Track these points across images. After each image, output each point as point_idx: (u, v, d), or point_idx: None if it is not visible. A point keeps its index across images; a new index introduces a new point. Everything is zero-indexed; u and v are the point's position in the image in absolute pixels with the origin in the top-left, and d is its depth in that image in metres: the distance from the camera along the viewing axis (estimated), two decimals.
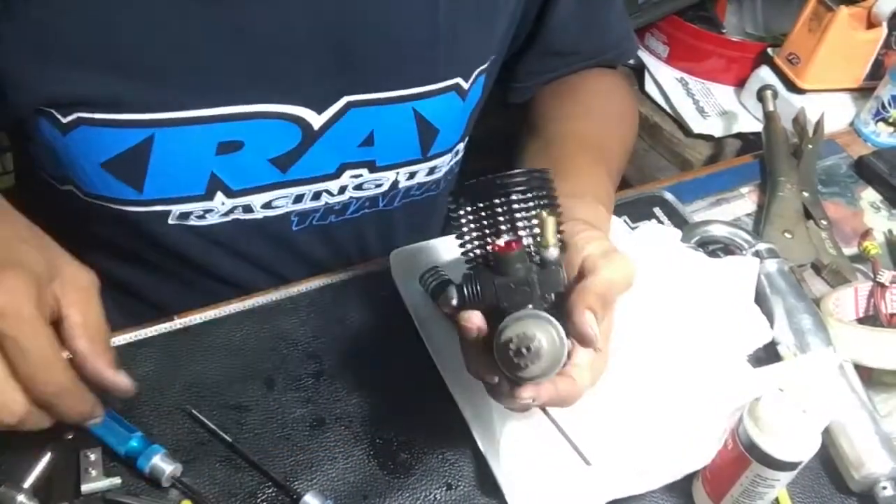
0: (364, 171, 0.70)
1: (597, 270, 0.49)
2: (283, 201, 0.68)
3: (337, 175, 0.69)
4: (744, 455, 0.53)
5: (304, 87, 0.63)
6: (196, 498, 0.56)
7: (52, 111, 0.57)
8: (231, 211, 0.67)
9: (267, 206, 0.68)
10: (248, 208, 0.67)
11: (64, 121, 0.58)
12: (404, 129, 0.69)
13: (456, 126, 0.73)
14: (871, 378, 0.68)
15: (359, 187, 0.71)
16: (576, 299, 0.47)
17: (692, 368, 0.63)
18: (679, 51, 1.32)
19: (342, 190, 0.70)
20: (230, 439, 0.59)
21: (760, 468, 0.53)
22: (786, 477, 0.54)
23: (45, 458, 0.56)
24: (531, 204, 0.49)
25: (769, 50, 1.21)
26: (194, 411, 0.60)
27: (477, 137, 0.81)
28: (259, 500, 0.57)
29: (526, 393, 0.48)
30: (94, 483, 0.56)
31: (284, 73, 0.61)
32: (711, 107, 1.27)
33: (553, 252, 0.48)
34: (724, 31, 1.33)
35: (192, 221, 0.66)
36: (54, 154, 0.60)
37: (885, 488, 0.60)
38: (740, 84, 1.27)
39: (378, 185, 0.72)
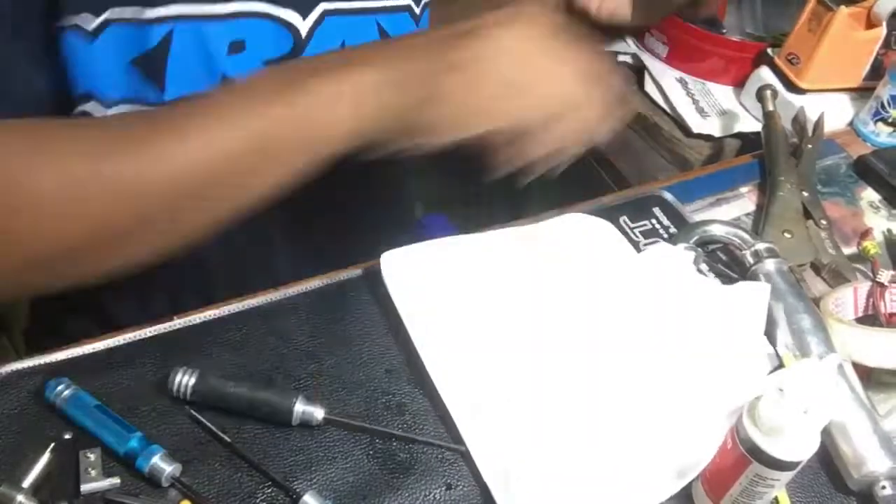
0: None
1: None
2: None
3: None
4: (743, 455, 0.53)
5: None
6: (195, 498, 0.56)
7: (78, 24, 0.58)
8: None
9: None
10: None
11: (90, 28, 0.59)
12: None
13: None
14: (870, 378, 0.68)
15: None
16: None
17: (695, 393, 0.63)
18: (678, 51, 1.32)
19: None
20: (229, 439, 0.59)
21: (760, 468, 0.53)
22: (785, 476, 0.54)
23: (45, 458, 0.56)
24: None
25: (769, 50, 1.21)
26: (193, 411, 0.60)
27: None
28: (258, 501, 0.57)
29: None
30: (94, 483, 0.56)
31: None
32: (711, 107, 1.27)
33: None
34: (723, 31, 1.32)
35: None
36: (79, 67, 0.61)
37: (884, 488, 0.60)
38: (740, 84, 1.27)
39: None
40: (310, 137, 0.55)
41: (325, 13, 0.67)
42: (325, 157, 0.56)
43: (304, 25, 0.66)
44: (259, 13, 0.64)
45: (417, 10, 0.75)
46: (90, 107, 0.64)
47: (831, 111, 1.03)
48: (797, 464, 0.53)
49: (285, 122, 0.54)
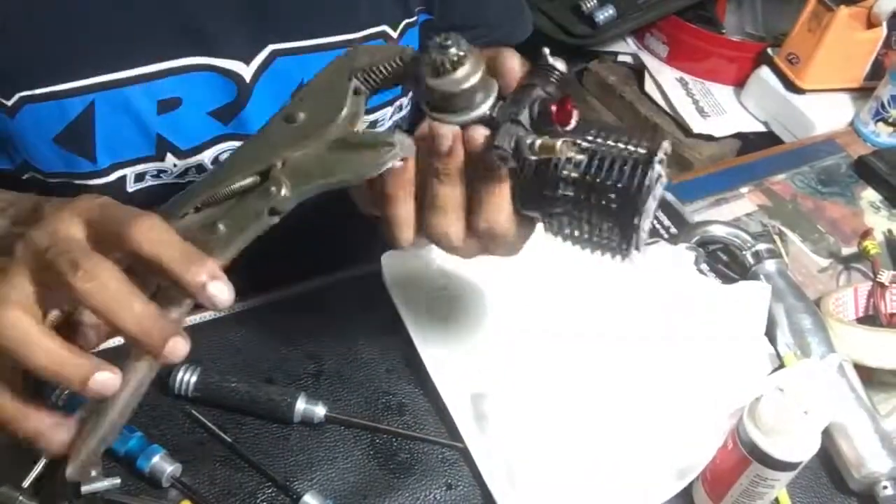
0: None
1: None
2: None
3: None
4: (744, 455, 0.53)
5: (227, 38, 0.62)
6: (195, 498, 0.56)
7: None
8: (185, 173, 0.67)
9: (216, 161, 0.68)
10: (200, 167, 0.67)
11: (8, 104, 0.58)
12: None
13: None
14: (871, 378, 0.68)
15: None
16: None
17: (696, 393, 0.63)
18: (679, 51, 1.33)
19: None
20: (230, 439, 0.59)
21: (760, 468, 0.53)
22: (786, 477, 0.54)
23: (45, 458, 0.56)
24: None
25: (769, 50, 1.21)
26: (194, 411, 0.60)
27: None
28: (259, 501, 0.57)
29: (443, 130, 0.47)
30: (94, 483, 0.56)
31: (206, 23, 0.61)
32: (711, 107, 1.27)
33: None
34: (723, 31, 1.33)
35: (149, 182, 0.66)
36: (9, 141, 0.60)
37: (885, 488, 0.60)
38: (740, 84, 1.27)
39: None
40: None
41: (276, 54, 0.65)
42: None
43: (247, 71, 0.64)
44: (193, 66, 0.62)
45: (395, 34, 0.70)
46: (30, 176, 0.63)
47: (831, 111, 1.04)
48: (798, 464, 0.53)
49: None
